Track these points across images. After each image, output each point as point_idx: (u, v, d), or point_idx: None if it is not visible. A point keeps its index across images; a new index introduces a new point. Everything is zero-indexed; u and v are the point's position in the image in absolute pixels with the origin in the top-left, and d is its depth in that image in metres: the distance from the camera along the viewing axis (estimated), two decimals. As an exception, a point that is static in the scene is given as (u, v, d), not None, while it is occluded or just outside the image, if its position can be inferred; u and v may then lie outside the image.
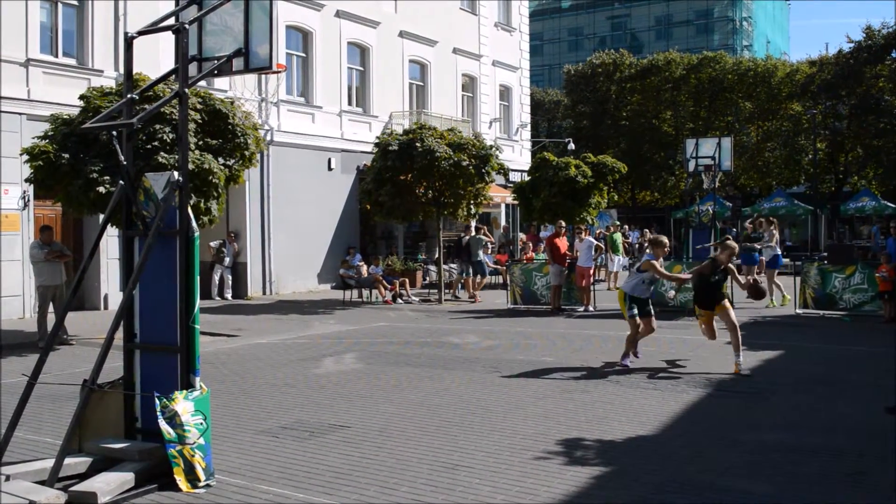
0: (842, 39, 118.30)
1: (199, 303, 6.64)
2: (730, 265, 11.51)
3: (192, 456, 6.24)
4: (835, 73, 45.39)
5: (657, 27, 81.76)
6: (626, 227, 38.63)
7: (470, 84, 33.12)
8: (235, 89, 21.44)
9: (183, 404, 6.33)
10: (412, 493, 6.12)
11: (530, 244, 28.14)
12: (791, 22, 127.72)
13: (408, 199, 21.00)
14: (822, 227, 42.45)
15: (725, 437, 7.70)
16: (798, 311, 17.68)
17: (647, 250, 12.30)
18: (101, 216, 13.32)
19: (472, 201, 21.58)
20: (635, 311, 11.67)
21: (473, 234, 23.34)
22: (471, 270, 22.62)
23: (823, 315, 17.29)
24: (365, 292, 22.21)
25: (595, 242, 20.11)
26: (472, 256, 22.24)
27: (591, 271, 19.38)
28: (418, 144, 20.19)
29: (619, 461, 6.94)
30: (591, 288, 19.27)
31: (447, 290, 23.00)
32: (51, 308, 14.47)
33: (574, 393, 9.71)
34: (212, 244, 22.31)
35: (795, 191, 48.44)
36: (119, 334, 6.63)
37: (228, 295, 22.84)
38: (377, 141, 22.03)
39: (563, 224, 20.46)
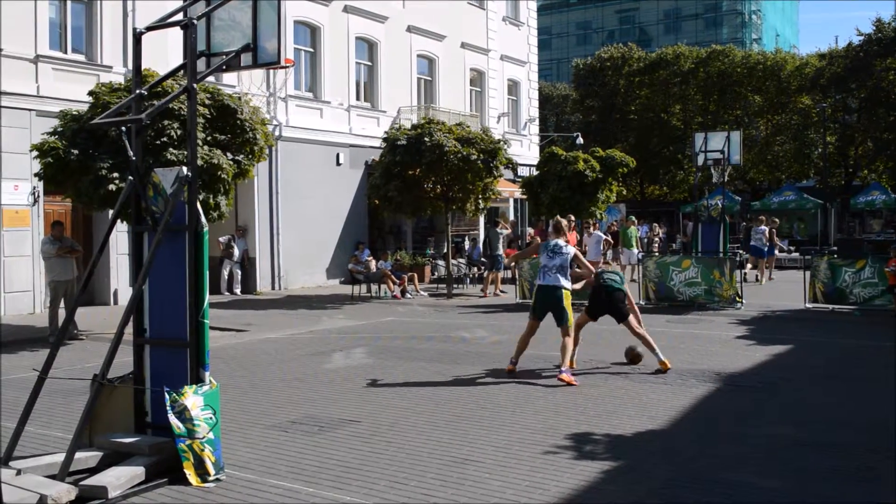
0: (851, 32, 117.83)
1: (208, 298, 6.66)
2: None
3: (202, 450, 6.26)
4: (844, 66, 45.19)
5: (666, 21, 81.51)
6: (635, 220, 38.53)
7: (478, 79, 33.08)
8: (243, 84, 21.47)
9: (192, 399, 6.34)
10: (422, 487, 6.13)
11: (538, 239, 28.12)
12: (800, 15, 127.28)
13: (416, 194, 21.00)
14: (832, 221, 42.28)
15: (735, 431, 7.69)
16: (808, 305, 17.62)
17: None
18: (111, 212, 13.37)
19: (480, 196, 21.57)
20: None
21: (492, 226, 23.32)
22: (490, 265, 22.54)
23: (833, 309, 17.23)
24: (374, 287, 22.22)
25: (604, 237, 20.08)
26: (492, 250, 22.23)
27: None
28: (426, 139, 20.17)
29: (629, 455, 6.94)
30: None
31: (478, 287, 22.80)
32: (62, 303, 14.52)
33: (583, 387, 9.70)
34: (221, 239, 22.35)
35: (805, 185, 48.28)
36: (129, 329, 6.65)
37: (237, 290, 22.89)
38: (385, 136, 22.02)
39: (573, 218, 20.41)
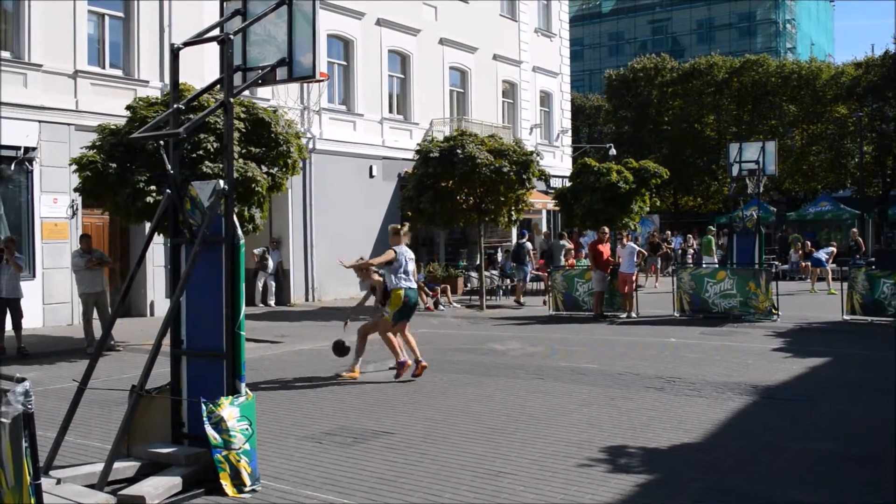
0: (888, 40, 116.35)
1: (244, 309, 6.72)
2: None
3: (238, 461, 6.30)
4: (881, 74, 44.65)
5: (699, 31, 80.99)
6: (669, 232, 38.32)
7: (510, 90, 33.11)
8: (278, 98, 21.65)
9: (229, 410, 6.40)
10: (456, 499, 6.12)
11: (572, 250, 28.04)
12: (835, 23, 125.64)
13: (449, 206, 21.03)
14: (870, 231, 41.68)
15: (772, 445, 7.60)
16: (845, 317, 17.39)
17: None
18: (148, 225, 13.54)
19: (513, 207, 21.56)
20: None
21: (555, 239, 23.57)
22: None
23: (872, 321, 16.98)
24: (406, 299, 22.21)
25: (637, 248, 19.99)
26: (555, 261, 22.31)
27: (634, 277, 19.24)
28: (459, 151, 20.21)
29: (664, 469, 6.89)
30: (634, 294, 19.14)
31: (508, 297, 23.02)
32: (95, 314, 14.71)
33: (617, 400, 9.65)
34: (255, 251, 22.52)
35: (841, 195, 47.64)
36: (166, 340, 6.73)
37: (272, 301, 23.03)
38: (418, 148, 22.09)
39: (606, 230, 20.35)
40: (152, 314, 19.69)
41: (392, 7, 26.71)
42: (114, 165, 13.38)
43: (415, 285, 11.16)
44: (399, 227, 11.47)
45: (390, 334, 11.13)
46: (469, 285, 26.31)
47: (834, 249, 26.92)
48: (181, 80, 7.75)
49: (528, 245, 24.61)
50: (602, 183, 22.99)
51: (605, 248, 19.19)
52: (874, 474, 6.68)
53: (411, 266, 11.08)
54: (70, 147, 17.53)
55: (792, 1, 77.84)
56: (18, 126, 17.39)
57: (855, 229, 30.38)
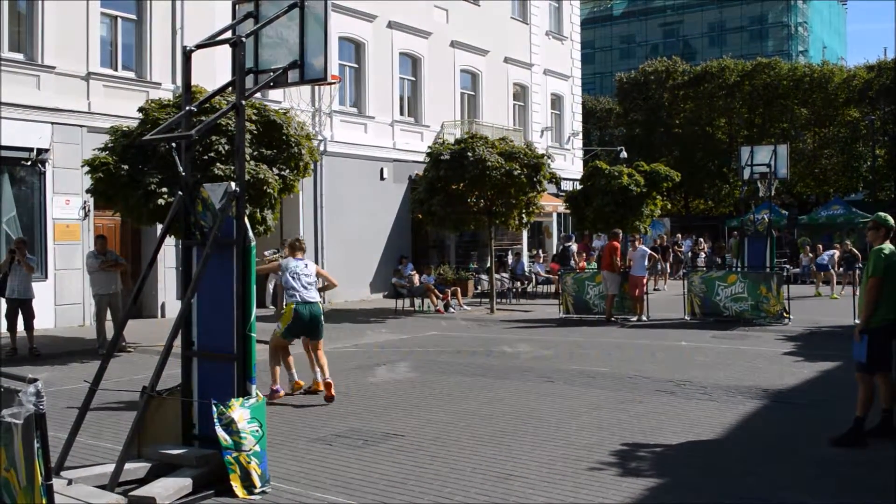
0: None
1: (255, 311, 6.73)
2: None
3: (248, 463, 6.32)
4: (894, 77, 44.42)
5: (710, 33, 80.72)
6: (679, 235, 38.21)
7: (521, 93, 33.10)
8: (290, 100, 21.70)
9: (239, 411, 6.41)
10: (465, 501, 6.12)
11: (583, 254, 28.02)
12: (848, 26, 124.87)
13: (459, 209, 21.02)
14: (881, 235, 41.39)
15: (784, 449, 7.57)
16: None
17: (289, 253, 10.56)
18: (160, 226, 13.58)
19: (523, 210, 21.54)
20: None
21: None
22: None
23: (884, 325, 16.87)
24: (417, 301, 22.27)
25: (648, 251, 19.94)
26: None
27: (645, 280, 19.20)
28: (470, 154, 20.20)
29: (675, 473, 6.87)
30: (645, 297, 19.10)
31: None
32: (109, 315, 14.76)
33: (628, 403, 9.63)
34: (266, 253, 22.52)
35: (853, 198, 47.41)
36: (177, 342, 6.74)
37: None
38: (429, 150, 22.09)
39: (619, 231, 20.30)
40: (163, 315, 19.74)
41: (403, 10, 26.76)
42: (126, 167, 13.42)
43: (307, 299, 10.10)
44: (294, 240, 10.73)
45: (280, 354, 10.47)
46: (479, 288, 26.31)
47: (836, 253, 26.61)
48: (193, 83, 7.77)
49: (573, 247, 24.96)
50: (613, 186, 22.96)
51: (610, 247, 19.18)
52: (886, 478, 6.64)
53: (303, 279, 10.13)
54: (82, 149, 17.60)
55: (804, 4, 77.51)
56: (31, 128, 17.50)
57: (848, 241, 29.93)
